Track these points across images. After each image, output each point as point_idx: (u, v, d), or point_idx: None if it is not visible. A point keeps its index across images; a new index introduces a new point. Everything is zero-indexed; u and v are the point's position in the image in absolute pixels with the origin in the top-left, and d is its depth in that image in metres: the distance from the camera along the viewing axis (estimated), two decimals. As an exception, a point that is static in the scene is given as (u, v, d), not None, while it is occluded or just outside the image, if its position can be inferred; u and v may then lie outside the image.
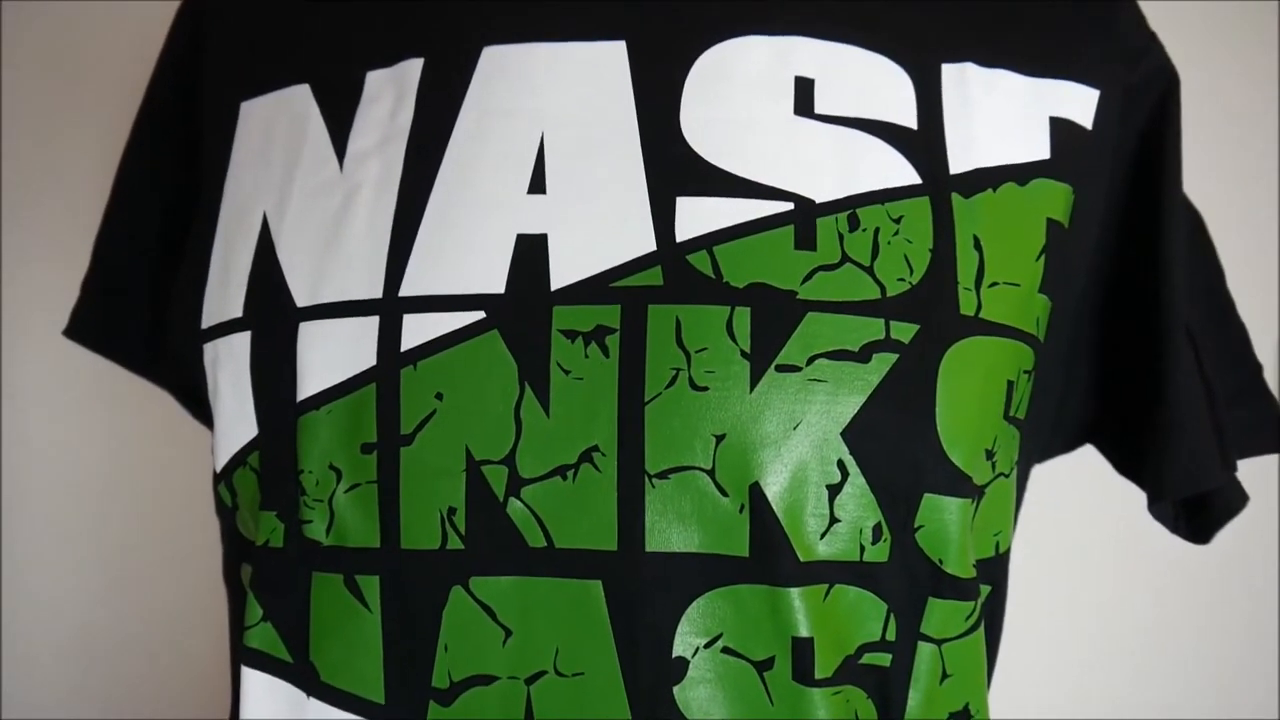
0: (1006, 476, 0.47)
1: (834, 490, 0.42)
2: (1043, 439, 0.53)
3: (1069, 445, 0.56)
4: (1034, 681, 1.06)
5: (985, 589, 0.48)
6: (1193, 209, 0.55)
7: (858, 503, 0.42)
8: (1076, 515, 1.04)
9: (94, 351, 0.58)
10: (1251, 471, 1.02)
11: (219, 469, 0.49)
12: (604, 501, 0.42)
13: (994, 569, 0.49)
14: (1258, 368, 0.55)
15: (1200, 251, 0.55)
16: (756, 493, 0.41)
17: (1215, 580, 1.05)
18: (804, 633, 0.42)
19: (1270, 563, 1.05)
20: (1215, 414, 0.51)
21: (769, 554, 0.41)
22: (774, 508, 0.41)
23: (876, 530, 0.42)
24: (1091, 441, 0.56)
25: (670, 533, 0.42)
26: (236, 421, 0.47)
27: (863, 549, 0.42)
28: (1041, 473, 0.99)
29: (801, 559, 0.42)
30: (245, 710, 0.47)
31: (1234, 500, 0.53)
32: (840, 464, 0.41)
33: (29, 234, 0.93)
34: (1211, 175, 1.05)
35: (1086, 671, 1.06)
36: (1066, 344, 0.51)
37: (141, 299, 0.57)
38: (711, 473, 0.41)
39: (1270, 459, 1.03)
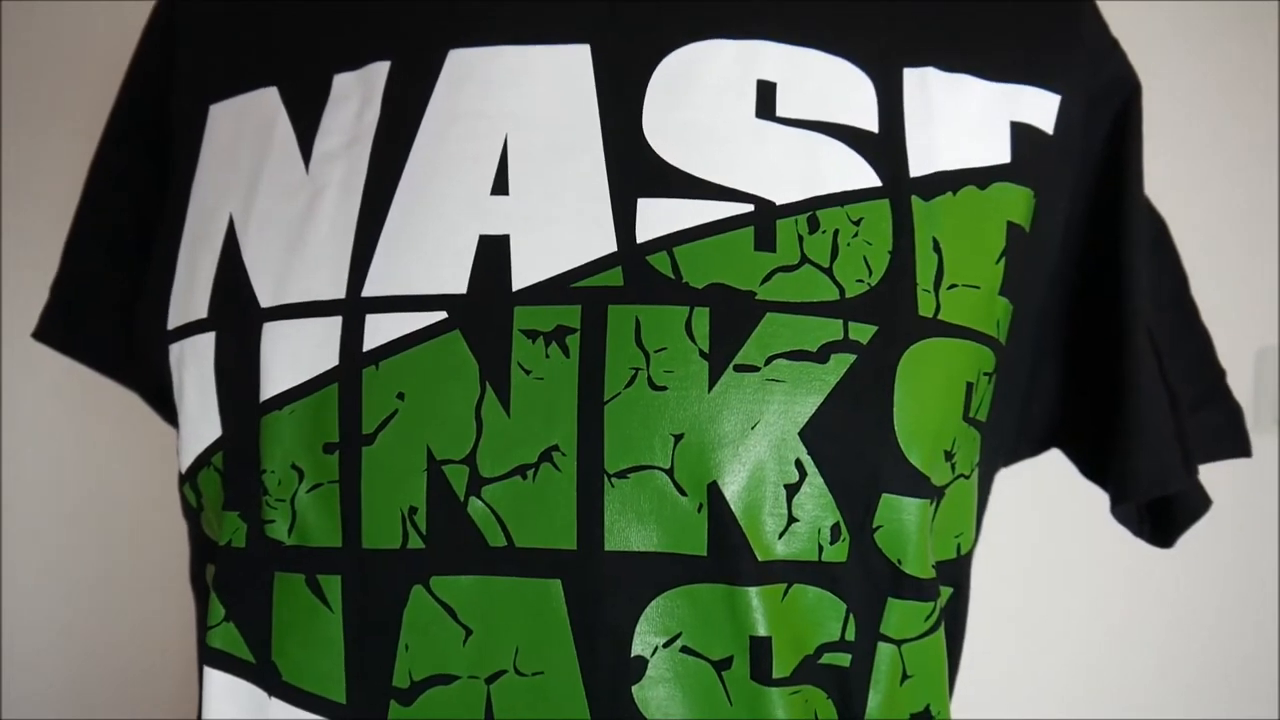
0: (967, 478, 0.47)
1: (792, 490, 0.42)
2: (1008, 443, 0.53)
3: (1035, 449, 0.56)
4: (1035, 681, 1.06)
5: (947, 591, 0.48)
6: (1156, 215, 0.56)
7: (816, 503, 0.42)
8: (1075, 519, 1.04)
9: (63, 354, 0.59)
10: (1252, 470, 1.03)
11: (184, 470, 0.49)
12: (564, 501, 0.42)
13: (955, 571, 0.49)
14: (1221, 373, 0.56)
15: (1163, 257, 0.55)
16: (714, 492, 0.41)
17: (1216, 580, 1.05)
18: (762, 632, 0.42)
19: (1270, 563, 1.05)
20: (1178, 418, 0.52)
21: (727, 553, 0.42)
22: (732, 507, 0.41)
23: (835, 530, 0.42)
24: (1057, 445, 0.57)
25: (629, 532, 0.42)
26: (201, 422, 0.48)
27: (821, 549, 0.42)
28: (1042, 473, 1.00)
29: (760, 558, 0.42)
30: (208, 710, 0.47)
31: (1197, 505, 0.54)
32: (798, 464, 0.42)
33: (29, 233, 0.93)
34: (1211, 175, 1.05)
35: (1087, 673, 1.06)
36: (1030, 348, 0.51)
37: (110, 302, 0.57)
38: (670, 472, 0.42)
39: (1270, 460, 1.03)
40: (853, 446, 0.42)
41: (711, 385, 0.42)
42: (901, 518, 0.43)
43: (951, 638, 0.50)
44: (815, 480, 0.42)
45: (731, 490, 0.41)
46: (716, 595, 0.42)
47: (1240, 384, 0.98)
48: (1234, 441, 0.55)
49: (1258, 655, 1.06)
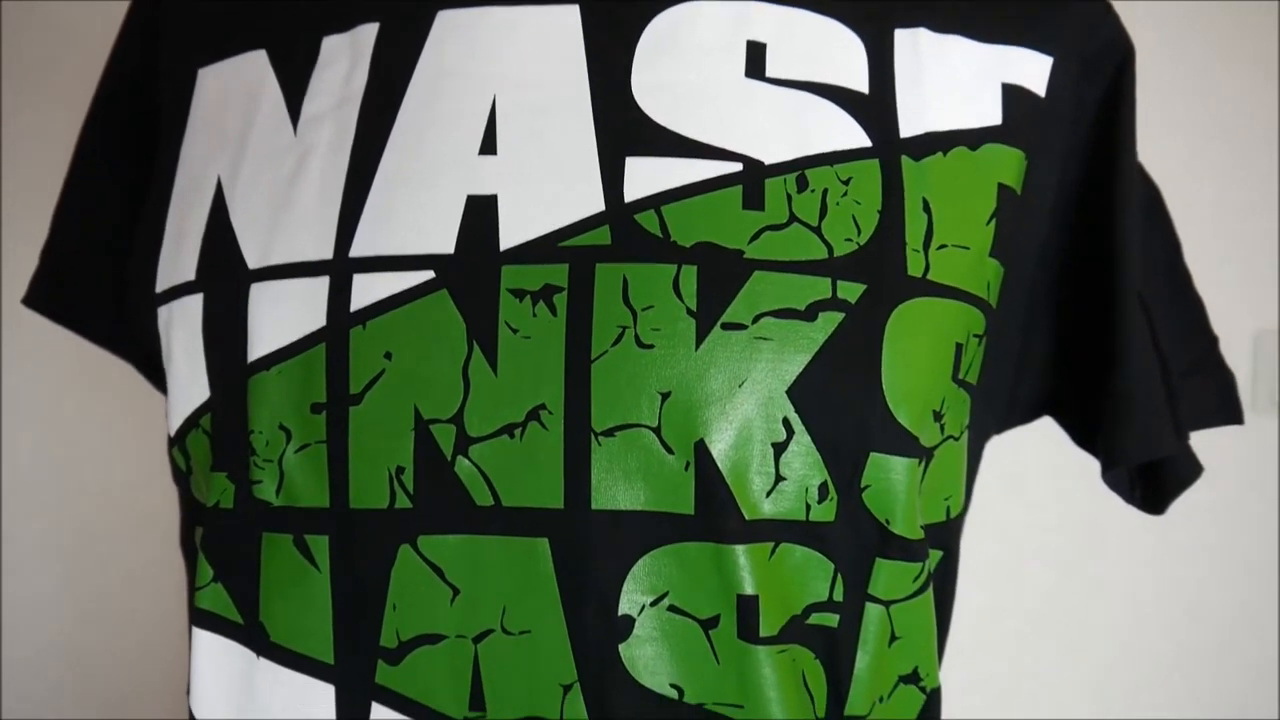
0: (956, 440, 0.47)
1: (779, 448, 0.42)
2: (998, 409, 0.53)
3: (1026, 417, 0.56)
4: (1035, 682, 1.06)
5: (936, 554, 0.48)
6: (1150, 181, 0.55)
7: (803, 461, 0.42)
8: (1075, 518, 1.04)
9: (53, 321, 0.58)
10: (1251, 470, 1.03)
11: (173, 433, 0.49)
12: (551, 460, 0.42)
13: (945, 534, 0.49)
14: (1213, 340, 0.56)
15: (1156, 224, 0.55)
16: (702, 450, 0.41)
17: (1216, 580, 1.05)
18: (749, 590, 0.42)
19: (1271, 562, 1.05)
20: (1169, 384, 0.51)
21: (714, 512, 0.41)
22: (719, 465, 0.41)
23: (822, 489, 0.42)
24: (1049, 413, 0.56)
25: (616, 491, 0.42)
26: (189, 384, 0.48)
27: (809, 508, 0.42)
28: (1045, 472, 1.00)
29: (747, 517, 0.42)
30: (196, 671, 0.47)
31: (1187, 472, 0.53)
32: (785, 422, 0.42)
33: (29, 233, 0.93)
34: (1211, 175, 1.05)
35: (1086, 673, 1.06)
36: (1021, 312, 0.51)
37: (100, 269, 0.57)
38: (657, 430, 0.41)
39: (1270, 459, 1.03)
40: (840, 405, 0.42)
41: (699, 343, 0.41)
42: (889, 477, 0.43)
43: (941, 602, 0.49)
44: (803, 439, 0.42)
45: (719, 448, 0.41)
46: (704, 554, 0.42)
47: (1239, 367, 0.98)
48: (1225, 409, 0.54)
49: (1258, 655, 1.06)
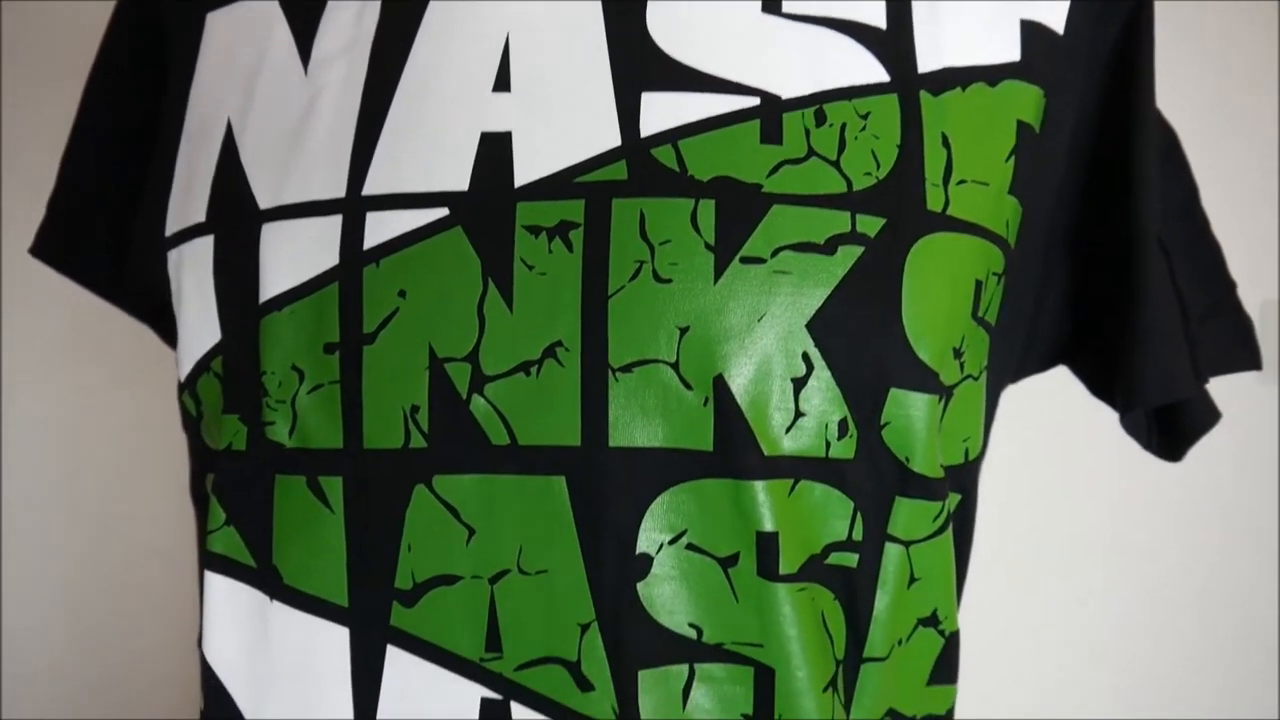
0: (975, 379, 0.46)
1: (799, 383, 0.41)
2: (1017, 352, 0.53)
3: (1042, 364, 0.56)
4: (1036, 683, 1.06)
5: (954, 497, 0.48)
6: (1167, 126, 0.55)
7: (823, 397, 0.41)
8: (1083, 519, 1.04)
9: (59, 272, 0.58)
10: (1250, 471, 1.03)
11: (183, 378, 0.49)
12: (567, 397, 0.42)
13: (963, 477, 0.48)
14: (1231, 285, 0.55)
15: (1175, 169, 0.54)
16: (720, 385, 0.41)
17: (1216, 581, 1.05)
18: (769, 527, 0.41)
19: (1271, 563, 1.05)
20: (1188, 325, 0.51)
21: (733, 447, 0.41)
22: (738, 400, 0.41)
23: (842, 425, 0.42)
24: (1065, 361, 0.56)
25: (634, 428, 0.41)
26: (200, 327, 0.47)
27: (828, 445, 0.42)
28: (1042, 473, 0.99)
29: (766, 453, 0.41)
30: (208, 615, 0.46)
31: (1205, 417, 0.53)
32: (805, 357, 0.41)
33: (29, 236, 0.93)
34: (1211, 175, 1.05)
35: (1088, 672, 1.06)
36: (1038, 254, 0.51)
37: (107, 219, 0.56)
38: (675, 365, 0.41)
39: (1269, 456, 1.03)
40: (860, 340, 0.41)
41: (717, 277, 0.41)
42: (909, 414, 0.42)
43: (959, 546, 0.49)
44: (823, 374, 0.41)
45: (738, 383, 0.41)
46: (723, 490, 0.41)
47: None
48: (1244, 353, 0.54)
49: (1258, 655, 1.06)
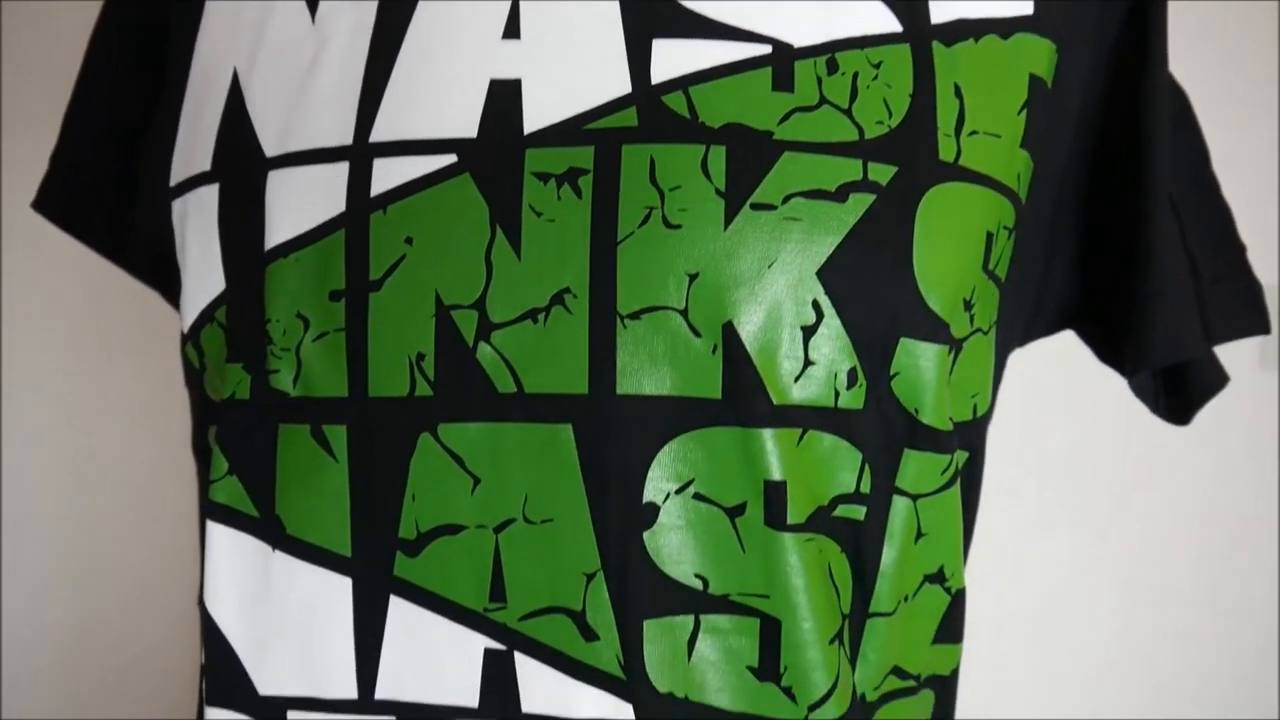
0: (985, 334, 0.46)
1: (809, 331, 0.41)
2: (1026, 310, 0.52)
3: (1051, 326, 0.55)
4: (1034, 682, 1.05)
5: (962, 455, 0.48)
6: (1179, 89, 0.55)
7: (833, 345, 0.41)
8: (1085, 524, 1.03)
9: (62, 229, 0.57)
10: (1251, 469, 1.02)
11: (186, 329, 0.48)
12: (575, 344, 0.41)
13: (971, 434, 0.48)
14: (1241, 249, 0.55)
15: (1186, 131, 0.54)
16: (730, 332, 0.40)
17: (1216, 580, 1.05)
18: (777, 476, 0.41)
19: (1271, 562, 1.05)
20: (1198, 286, 0.51)
21: (742, 395, 0.41)
22: (747, 348, 0.41)
23: (851, 375, 0.42)
24: (1073, 326, 0.56)
25: (642, 375, 0.41)
26: (204, 276, 0.47)
27: (837, 394, 0.42)
28: (1041, 471, 0.99)
29: (775, 401, 0.41)
30: (210, 567, 0.46)
31: (1213, 379, 0.53)
32: (815, 304, 0.41)
33: (29, 233, 0.92)
34: (1209, 114, 1.04)
35: (1086, 672, 1.06)
36: (1050, 210, 0.50)
37: (111, 174, 0.56)
38: (684, 312, 0.41)
39: (1269, 456, 1.03)
40: (871, 288, 0.41)
41: (728, 223, 0.41)
42: (919, 364, 0.42)
43: (966, 505, 0.49)
44: (832, 322, 0.41)
45: (747, 330, 0.40)
46: (730, 439, 0.41)
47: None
48: (1253, 318, 0.54)
49: (1258, 655, 1.06)
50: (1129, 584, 1.04)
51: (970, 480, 0.49)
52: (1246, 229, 0.54)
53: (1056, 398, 1.01)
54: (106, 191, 0.56)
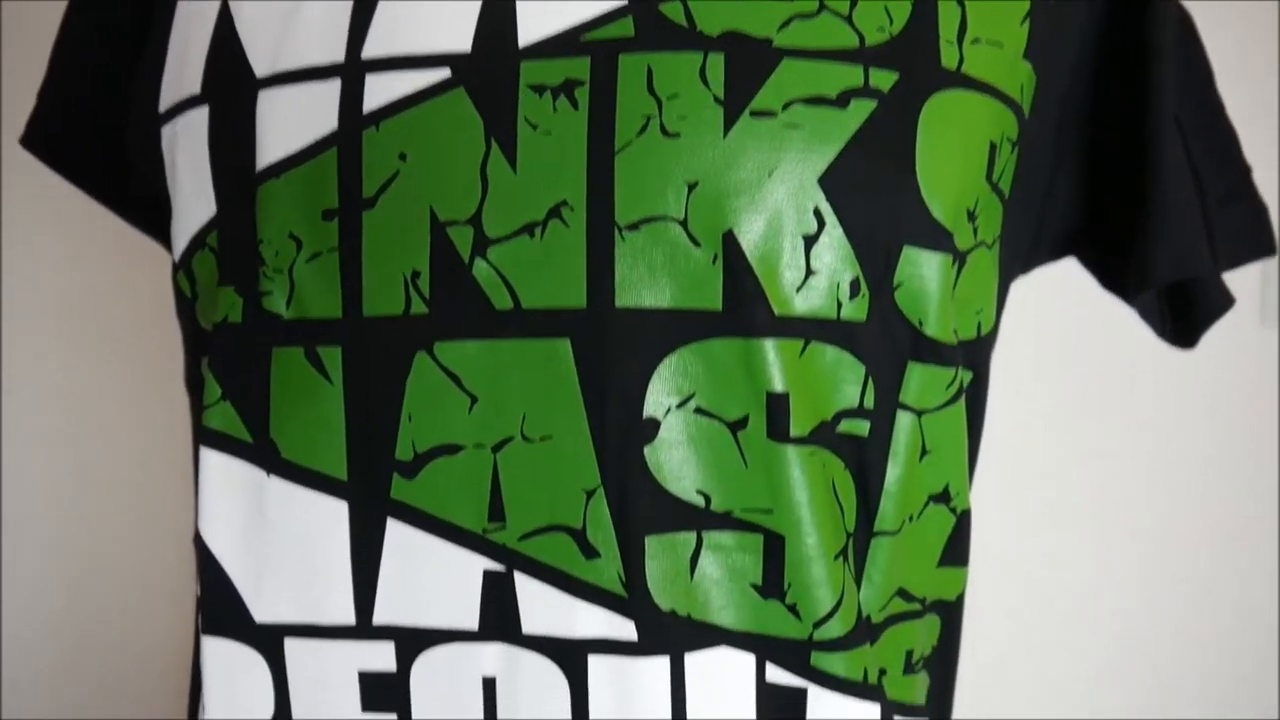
0: (989, 248, 0.45)
1: (810, 240, 0.40)
2: (1028, 235, 0.51)
3: (1053, 253, 0.55)
4: (1035, 681, 1.05)
5: (967, 374, 0.47)
6: (1184, 10, 0.54)
7: (835, 254, 0.40)
8: (1087, 522, 1.03)
9: (49, 165, 0.57)
10: (1250, 469, 1.01)
11: (178, 257, 0.48)
12: (572, 257, 0.41)
13: (976, 353, 0.47)
14: (1246, 170, 0.54)
15: (1190, 51, 0.53)
16: (730, 241, 0.40)
17: (1216, 580, 1.04)
18: (779, 388, 0.40)
19: (1271, 562, 1.04)
20: (1204, 204, 0.50)
21: (742, 305, 0.40)
22: (748, 257, 0.40)
23: (854, 285, 0.41)
24: (1076, 251, 0.55)
25: (641, 287, 0.40)
26: (195, 201, 0.46)
27: (839, 305, 0.41)
28: (1052, 474, 0.98)
29: (776, 312, 0.40)
30: (204, 495, 0.45)
31: (1220, 300, 0.52)
32: (817, 212, 0.40)
33: (29, 232, 0.92)
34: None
35: (1085, 672, 1.05)
36: (1052, 131, 0.50)
37: (100, 108, 0.55)
38: (684, 222, 0.40)
39: (1268, 455, 1.02)
40: (873, 195, 0.40)
41: (727, 131, 0.40)
42: (922, 273, 0.41)
43: (971, 426, 0.48)
44: (834, 230, 0.40)
45: (748, 239, 0.40)
46: (731, 350, 0.40)
47: (1247, 283, 0.96)
48: (1258, 240, 0.53)
49: (1258, 655, 1.05)
50: (1129, 584, 1.04)
51: (975, 402, 0.49)
52: (1247, 140, 0.53)
53: (1057, 396, 1.01)
54: (96, 126, 0.55)
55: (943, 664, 0.50)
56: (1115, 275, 0.53)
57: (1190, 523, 1.04)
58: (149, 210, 0.57)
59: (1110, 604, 1.04)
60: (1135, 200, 0.49)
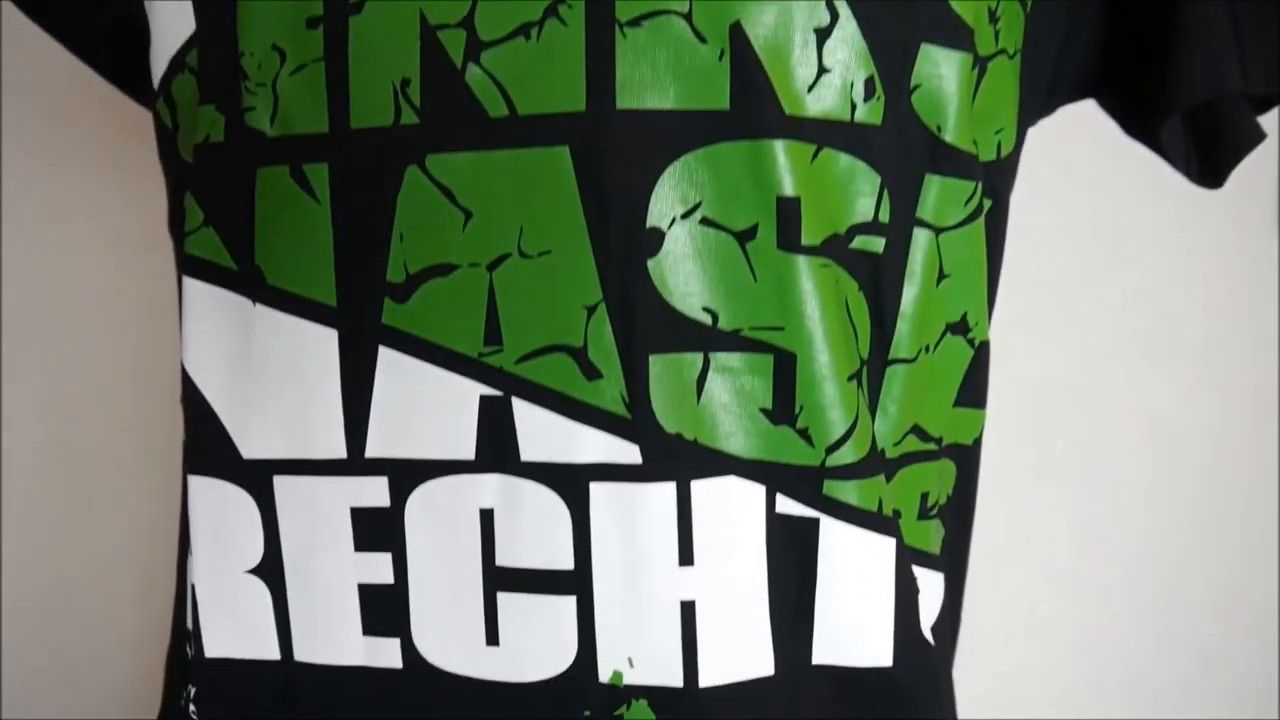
0: (1010, 59, 0.43)
1: (822, 35, 0.38)
2: (1049, 67, 0.49)
3: (1074, 92, 0.52)
4: (1033, 681, 1.04)
5: (987, 202, 0.45)
6: None
7: (848, 50, 0.38)
8: (1089, 518, 1.01)
9: (29, 16, 0.54)
10: (1251, 471, 1.00)
11: (156, 83, 0.45)
12: (571, 57, 0.38)
13: (996, 176, 0.45)
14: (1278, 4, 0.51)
15: None
16: (738, 35, 0.37)
17: (1216, 580, 1.03)
18: (789, 192, 0.38)
19: (1270, 562, 1.03)
20: (1237, 25, 0.47)
21: (751, 103, 0.38)
22: (757, 51, 0.38)
23: (869, 85, 0.39)
24: (1097, 94, 0.52)
25: (644, 88, 0.38)
26: (173, 19, 0.44)
27: (854, 107, 0.39)
28: (1053, 474, 0.97)
29: (787, 111, 0.38)
30: (187, 325, 0.43)
31: (1248, 133, 0.49)
32: (830, 5, 0.38)
33: (29, 231, 0.90)
34: None
35: (1085, 672, 1.04)
36: None
37: None
38: (688, 16, 0.38)
39: (1270, 455, 1.00)
40: None
41: None
42: (940, 73, 0.39)
43: (991, 255, 0.46)
44: (849, 24, 0.38)
45: (757, 32, 0.37)
46: (739, 154, 0.38)
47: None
48: None
49: (1257, 655, 1.04)
50: (1129, 584, 1.03)
51: (994, 231, 0.46)
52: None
53: (1056, 398, 1.00)
54: None
55: (958, 515, 0.48)
56: (1138, 114, 0.50)
57: (1190, 523, 1.03)
58: (126, 68, 0.54)
59: (1111, 605, 1.04)
60: (1164, 18, 0.46)
